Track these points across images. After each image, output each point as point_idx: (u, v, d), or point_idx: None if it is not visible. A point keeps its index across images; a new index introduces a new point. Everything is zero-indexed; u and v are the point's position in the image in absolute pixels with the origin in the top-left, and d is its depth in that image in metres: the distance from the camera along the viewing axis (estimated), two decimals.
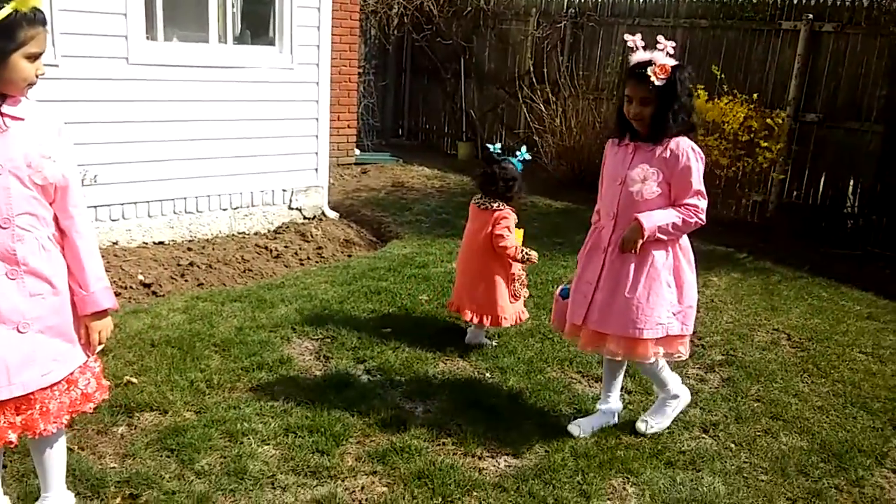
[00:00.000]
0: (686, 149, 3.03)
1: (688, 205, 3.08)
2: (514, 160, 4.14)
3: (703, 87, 6.99)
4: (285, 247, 6.12)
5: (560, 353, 4.16)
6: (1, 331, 2.20)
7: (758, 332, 4.74)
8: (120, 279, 5.00)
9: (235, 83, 5.99)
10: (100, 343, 2.41)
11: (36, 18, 2.15)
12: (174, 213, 5.93)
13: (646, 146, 3.07)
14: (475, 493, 2.89)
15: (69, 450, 2.98)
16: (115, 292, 4.75)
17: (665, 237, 3.08)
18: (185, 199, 5.96)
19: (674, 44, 3.05)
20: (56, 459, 2.53)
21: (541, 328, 4.51)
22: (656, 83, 2.93)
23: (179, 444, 3.07)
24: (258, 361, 3.86)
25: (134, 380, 3.57)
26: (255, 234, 6.43)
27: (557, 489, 2.93)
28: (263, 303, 4.70)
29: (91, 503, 2.70)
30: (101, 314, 2.39)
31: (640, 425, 3.39)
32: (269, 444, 3.14)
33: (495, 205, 4.11)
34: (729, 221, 7.24)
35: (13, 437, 2.26)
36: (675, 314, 3.15)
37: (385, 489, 2.89)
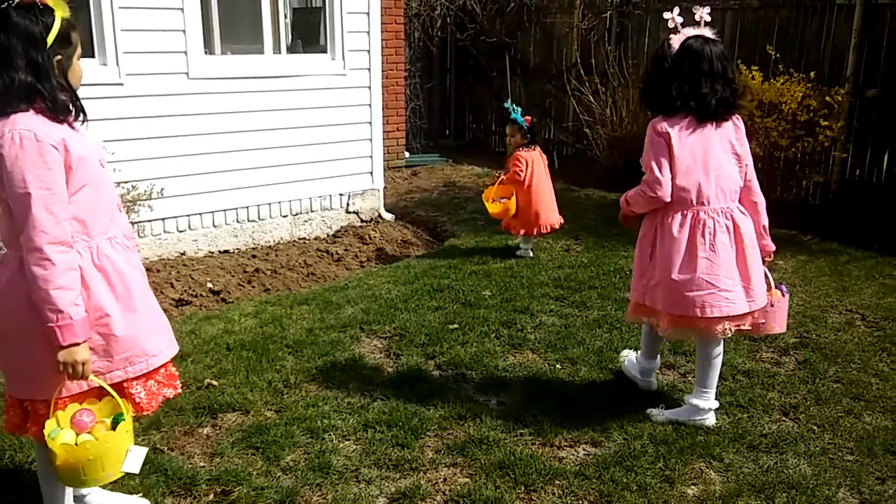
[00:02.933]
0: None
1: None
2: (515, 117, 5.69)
3: (757, 68, 6.86)
4: (345, 250, 6.21)
5: (630, 342, 4.13)
6: (152, 294, 2.50)
7: (830, 314, 4.64)
8: (190, 288, 5.15)
9: (291, 92, 6.11)
10: None
11: (72, 23, 2.31)
12: (237, 221, 6.08)
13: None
14: (557, 482, 2.90)
15: (159, 450, 3.10)
16: (186, 300, 4.95)
17: (633, 208, 3.34)
18: (247, 207, 6.10)
19: (707, 9, 3.10)
20: None
21: (608, 318, 4.49)
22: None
23: (264, 442, 3.15)
24: (331, 360, 3.94)
25: (214, 382, 3.68)
26: (315, 238, 6.54)
27: (640, 475, 2.93)
28: (330, 304, 4.78)
29: (184, 501, 2.79)
30: None
31: (653, 410, 3.42)
32: (349, 440, 3.21)
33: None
34: (790, 203, 7.09)
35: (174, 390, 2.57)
36: (649, 285, 3.26)
37: (467, 480, 2.92)
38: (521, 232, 5.76)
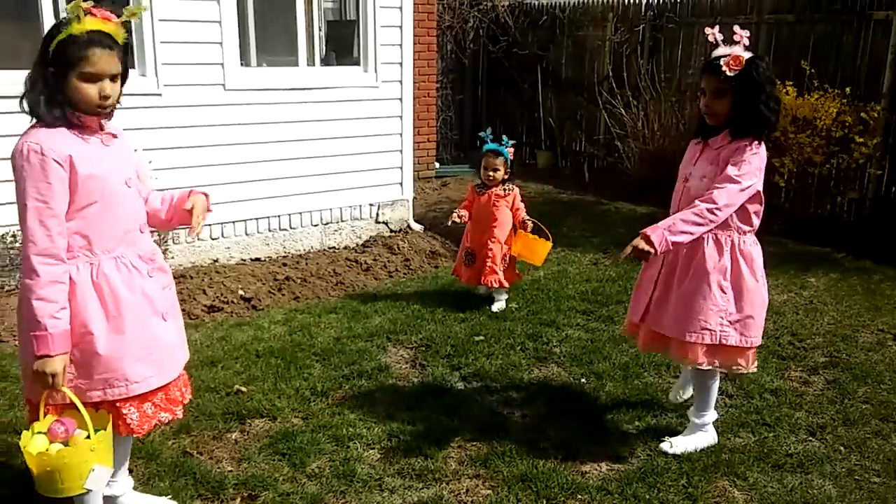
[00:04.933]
0: (750, 146, 2.89)
1: (706, 197, 2.89)
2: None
3: (791, 83, 6.80)
4: (374, 260, 6.27)
5: (656, 357, 4.13)
6: (160, 322, 2.49)
7: (862, 333, 4.58)
8: (222, 294, 5.25)
9: (323, 103, 6.21)
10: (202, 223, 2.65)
11: (90, 40, 2.23)
12: (269, 230, 6.18)
13: (714, 143, 3.01)
14: (579, 497, 2.91)
15: (189, 454, 3.17)
16: (217, 307, 5.04)
17: (679, 238, 2.86)
18: (278, 216, 6.20)
19: (748, 33, 2.96)
20: (129, 446, 2.73)
21: None
22: (728, 73, 2.85)
23: (290, 449, 3.21)
24: (358, 370, 3.99)
25: (243, 388, 3.75)
26: (345, 248, 6.62)
27: (663, 492, 2.92)
28: (358, 314, 4.85)
29: None
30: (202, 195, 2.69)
31: (664, 444, 3.24)
32: (374, 448, 3.25)
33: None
34: (824, 220, 7.01)
35: (180, 412, 2.61)
36: (731, 322, 3.00)
37: (489, 492, 2.95)
38: (509, 283, 5.01)
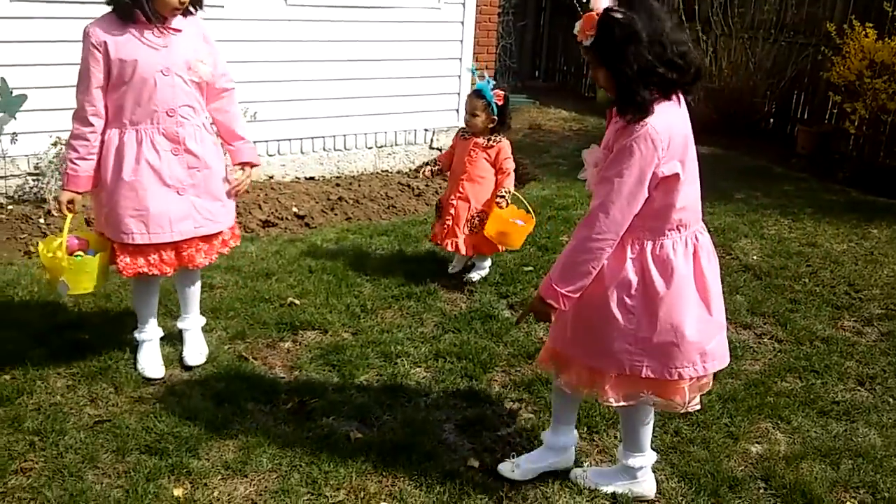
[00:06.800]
0: (636, 134, 2.08)
1: (586, 220, 2.19)
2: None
3: (871, 25, 6.45)
4: (426, 185, 6.28)
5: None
6: (166, 192, 2.90)
7: None
8: (276, 211, 5.34)
9: (385, 23, 6.13)
10: (244, 189, 3.16)
11: None
12: (324, 150, 6.22)
13: (614, 122, 2.22)
14: (619, 427, 2.95)
15: (244, 358, 3.30)
16: (272, 222, 5.13)
17: (577, 283, 2.20)
18: (333, 136, 6.23)
19: None
20: (196, 289, 3.29)
21: None
22: (584, 43, 2.14)
23: (340, 361, 3.31)
24: (407, 291, 4.05)
25: (296, 301, 3.86)
26: (398, 172, 6.64)
27: (704, 430, 2.95)
28: (409, 237, 4.89)
29: (265, 407, 2.98)
30: (247, 165, 3.14)
31: (575, 471, 2.64)
32: (420, 367, 3.33)
33: None
34: (892, 171, 6.74)
35: (169, 271, 3.02)
36: (643, 350, 2.23)
37: (532, 416, 3.01)
38: (482, 252, 4.26)
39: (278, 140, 5.93)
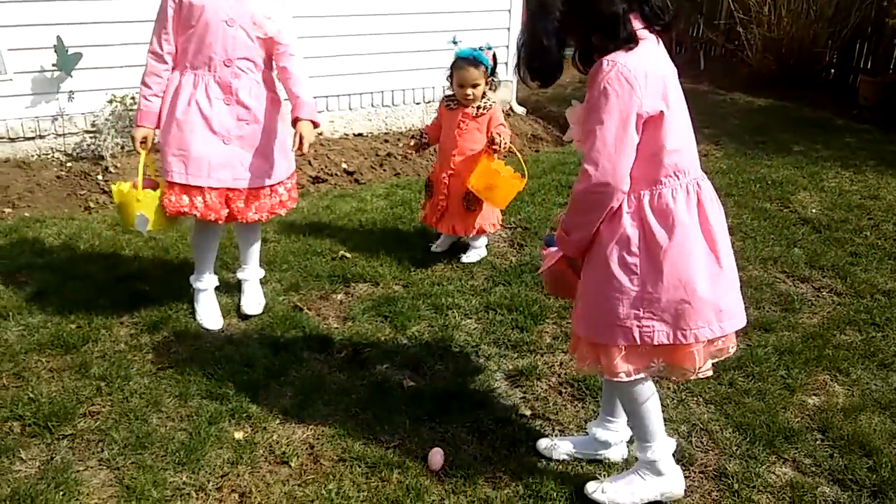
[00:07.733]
0: (607, 76, 1.91)
1: (580, 175, 2.02)
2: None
3: None
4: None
5: (763, 251, 4.01)
6: (211, 138, 2.97)
7: None
8: (326, 167, 5.38)
9: None
10: (305, 146, 3.04)
11: None
12: (372, 105, 6.21)
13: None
14: (673, 378, 2.93)
15: (299, 308, 3.36)
16: (322, 178, 5.17)
17: (577, 234, 2.10)
18: (381, 92, 6.20)
19: None
20: (255, 242, 3.40)
21: (742, 227, 4.35)
22: None
23: (392, 312, 3.35)
24: (456, 246, 4.05)
25: (348, 255, 3.90)
26: None
27: (759, 381, 2.91)
28: None
29: (320, 356, 3.04)
30: (307, 122, 3.06)
31: (591, 485, 2.33)
32: (471, 319, 3.35)
33: None
34: None
35: (212, 216, 3.04)
36: (653, 313, 2.03)
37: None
38: (493, 229, 3.97)
39: (326, 96, 5.93)
